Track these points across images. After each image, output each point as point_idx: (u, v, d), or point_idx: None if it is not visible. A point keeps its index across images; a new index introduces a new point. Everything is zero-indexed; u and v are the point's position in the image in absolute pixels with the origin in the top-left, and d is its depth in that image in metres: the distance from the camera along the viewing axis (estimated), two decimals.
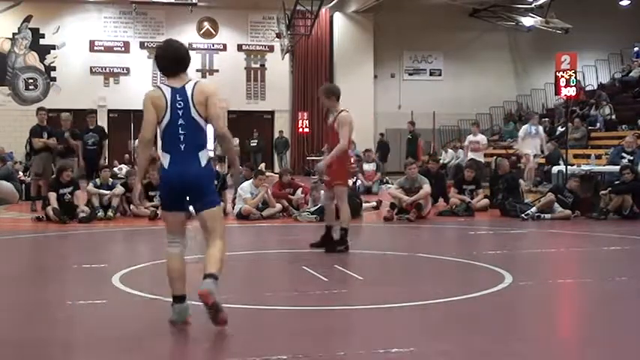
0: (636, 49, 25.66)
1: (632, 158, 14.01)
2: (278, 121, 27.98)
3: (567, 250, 9.28)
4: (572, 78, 13.73)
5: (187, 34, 27.11)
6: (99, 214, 11.73)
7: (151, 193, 11.91)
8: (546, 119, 22.97)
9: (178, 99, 4.84)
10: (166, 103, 4.83)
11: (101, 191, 12.02)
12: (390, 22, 27.14)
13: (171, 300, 4.96)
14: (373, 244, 8.51)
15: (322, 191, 12.20)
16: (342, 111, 8.21)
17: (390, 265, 7.89)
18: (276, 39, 25.70)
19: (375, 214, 12.83)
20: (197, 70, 27.09)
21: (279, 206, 12.09)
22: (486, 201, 12.99)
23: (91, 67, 26.41)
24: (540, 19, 25.46)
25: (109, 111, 25.69)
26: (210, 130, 5.07)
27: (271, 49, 27.43)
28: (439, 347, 4.50)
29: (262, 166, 21.67)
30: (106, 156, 13.32)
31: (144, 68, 26.40)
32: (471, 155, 16.79)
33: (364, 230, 11.20)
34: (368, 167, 17.61)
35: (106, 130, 13.69)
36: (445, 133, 27.22)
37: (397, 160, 23.48)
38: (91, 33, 26.39)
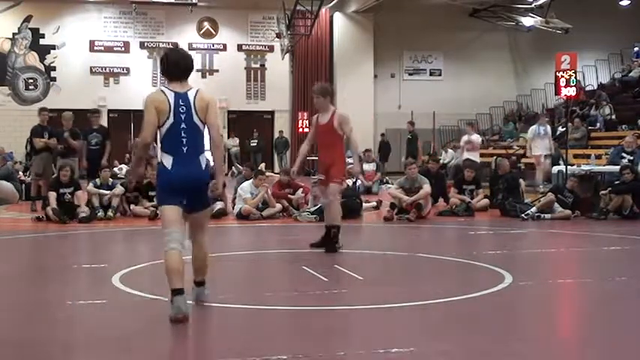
0: (636, 49, 25.65)
1: (632, 158, 14.00)
2: (278, 121, 27.98)
3: (567, 250, 9.28)
4: (572, 78, 13.73)
5: (187, 34, 27.14)
6: (99, 214, 11.72)
7: (151, 193, 11.91)
8: (546, 119, 22.93)
9: (181, 104, 5.07)
10: (169, 106, 5.04)
11: (101, 191, 12.02)
12: (390, 22, 27.13)
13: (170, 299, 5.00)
14: (373, 244, 8.51)
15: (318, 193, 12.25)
16: (335, 110, 8.28)
17: (390, 265, 7.89)
18: (276, 39, 25.69)
19: (375, 214, 12.83)
20: (197, 70, 27.07)
21: (279, 206, 12.09)
22: (486, 201, 12.99)
23: (91, 67, 26.41)
24: (540, 19, 25.45)
25: (109, 111, 25.68)
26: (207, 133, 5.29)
27: (271, 49, 27.43)
28: (439, 347, 4.50)
29: (262, 166, 21.66)
30: (108, 157, 13.25)
31: (144, 68, 26.42)
32: (466, 155, 16.82)
33: (364, 230, 11.21)
34: (368, 167, 17.61)
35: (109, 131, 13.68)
36: (445, 133, 27.21)
37: (397, 160, 23.49)
38: (91, 33, 26.39)
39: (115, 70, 26.54)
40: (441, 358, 4.31)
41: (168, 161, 5.06)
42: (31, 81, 26.16)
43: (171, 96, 5.07)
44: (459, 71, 28.34)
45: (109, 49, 26.57)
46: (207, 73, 27.28)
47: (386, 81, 28.14)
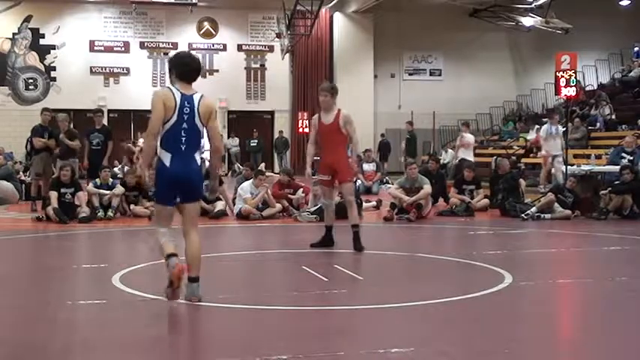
0: (636, 49, 25.64)
1: (632, 158, 14.01)
2: (278, 121, 27.98)
3: (567, 250, 9.28)
4: (572, 78, 13.72)
5: (187, 34, 27.15)
6: (99, 214, 11.73)
7: (151, 193, 11.91)
8: (546, 119, 22.95)
9: (186, 105, 5.41)
10: (175, 105, 5.37)
11: (101, 191, 12.02)
12: (390, 22, 27.13)
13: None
14: (373, 244, 8.50)
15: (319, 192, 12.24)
16: (339, 110, 8.27)
17: (390, 265, 7.88)
18: (276, 39, 25.71)
19: (375, 214, 12.83)
20: None
21: (279, 206, 12.09)
22: (486, 201, 13.00)
23: (91, 67, 26.42)
24: (540, 19, 25.44)
25: (109, 111, 25.67)
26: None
27: (271, 49, 27.43)
28: (439, 347, 4.50)
29: (262, 166, 21.66)
30: (109, 157, 13.24)
31: (144, 68, 26.43)
32: (460, 155, 16.77)
33: (364, 230, 11.15)
34: (368, 167, 17.61)
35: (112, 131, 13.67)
36: (445, 133, 27.21)
37: (397, 160, 23.49)
38: (91, 33, 26.39)
39: (115, 70, 26.54)
40: (441, 358, 4.31)
41: (166, 159, 5.39)
42: (31, 81, 26.16)
43: (178, 96, 5.40)
44: (459, 71, 28.34)
45: (109, 49, 26.57)
46: (207, 73, 27.25)
47: (386, 81, 28.14)
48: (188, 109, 5.39)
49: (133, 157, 17.85)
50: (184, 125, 5.38)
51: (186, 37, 27.14)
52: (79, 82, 26.14)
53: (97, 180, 12.21)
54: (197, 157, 5.50)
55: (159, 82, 25.86)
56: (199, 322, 5.18)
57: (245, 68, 27.71)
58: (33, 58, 26.19)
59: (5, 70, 25.93)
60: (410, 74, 28.64)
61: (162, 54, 26.62)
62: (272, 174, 20.82)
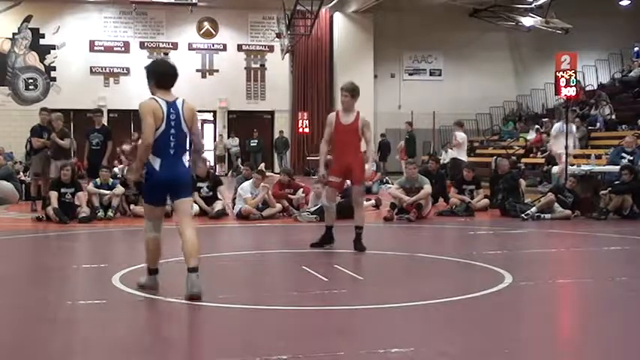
0: (636, 49, 25.64)
1: (632, 158, 14.01)
2: (278, 121, 27.98)
3: (567, 250, 9.28)
4: (572, 78, 13.71)
5: (187, 34, 27.16)
6: (99, 214, 11.72)
7: None
8: (546, 119, 22.97)
9: (172, 112, 5.67)
10: (163, 114, 5.63)
11: (101, 191, 12.01)
12: (390, 22, 27.14)
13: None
14: (373, 244, 8.50)
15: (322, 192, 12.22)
16: (358, 112, 8.26)
17: (390, 265, 7.88)
18: (276, 39, 25.71)
19: (375, 214, 12.82)
20: (197, 70, 27.14)
21: (279, 206, 12.09)
22: (486, 201, 12.99)
23: (91, 67, 26.44)
24: (540, 19, 25.44)
25: (109, 111, 25.69)
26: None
27: (271, 49, 27.44)
28: (439, 347, 4.50)
29: (262, 166, 21.67)
30: (109, 157, 13.22)
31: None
32: (454, 154, 16.77)
33: (364, 230, 11.18)
34: (367, 167, 17.56)
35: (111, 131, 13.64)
36: (445, 133, 27.14)
37: (397, 160, 23.49)
38: (91, 33, 26.41)
39: (115, 70, 26.55)
40: (441, 358, 4.31)
41: (156, 163, 5.64)
42: (31, 81, 26.17)
43: (164, 105, 5.67)
44: (459, 71, 28.35)
45: (109, 49, 26.59)
46: (207, 73, 27.30)
47: (386, 81, 28.15)
48: (174, 116, 5.66)
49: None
50: (172, 131, 5.64)
51: (186, 37, 27.16)
52: (79, 82, 26.15)
53: (97, 180, 12.20)
54: (185, 159, 5.78)
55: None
56: (199, 322, 5.18)
57: (245, 68, 27.72)
58: (33, 58, 26.20)
59: (5, 70, 25.94)
60: (410, 74, 28.65)
61: (162, 54, 26.61)
62: (272, 174, 20.83)
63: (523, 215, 11.72)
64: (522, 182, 13.56)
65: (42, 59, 26.24)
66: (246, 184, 12.19)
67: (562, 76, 13.70)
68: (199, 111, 28.42)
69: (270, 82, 27.70)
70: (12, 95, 25.98)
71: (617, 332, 4.97)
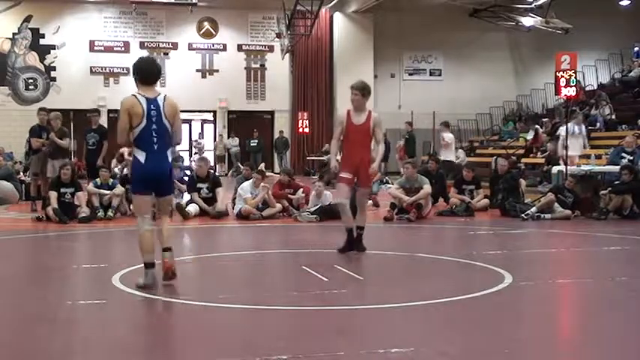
0: (636, 49, 25.64)
1: (632, 158, 14.01)
2: (278, 121, 27.98)
3: (567, 250, 9.28)
4: (572, 78, 13.71)
5: (187, 34, 27.16)
6: (99, 214, 11.73)
7: None
8: (546, 119, 22.97)
9: (152, 108, 5.94)
10: (143, 111, 5.89)
11: (101, 191, 12.01)
12: (390, 22, 27.14)
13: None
14: (373, 244, 8.49)
15: (326, 192, 12.23)
16: (370, 111, 8.18)
17: (390, 265, 7.88)
18: (276, 39, 25.71)
19: (375, 213, 12.81)
20: (197, 70, 27.16)
21: (279, 206, 12.09)
22: (486, 201, 12.99)
23: (91, 67, 26.44)
24: (540, 19, 25.43)
25: (109, 111, 25.63)
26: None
27: (271, 49, 27.44)
28: (439, 347, 4.50)
29: (262, 166, 21.66)
30: (104, 157, 13.20)
31: None
32: (442, 156, 16.74)
33: (364, 230, 11.18)
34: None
35: (108, 130, 13.62)
36: None
37: (397, 160, 23.47)
38: (91, 33, 26.41)
39: (115, 70, 26.55)
40: (441, 358, 4.31)
41: (141, 157, 5.95)
42: (31, 81, 26.17)
43: (143, 101, 5.93)
44: (458, 71, 28.34)
45: (109, 49, 26.59)
46: (207, 73, 27.30)
47: (386, 81, 28.14)
48: (155, 112, 5.93)
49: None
50: (153, 126, 5.91)
51: (186, 37, 27.16)
52: (79, 82, 26.15)
53: (97, 180, 12.21)
54: (169, 154, 6.08)
55: (159, 82, 25.84)
56: (199, 322, 5.18)
57: (245, 68, 27.71)
58: (33, 58, 26.20)
59: (5, 70, 25.94)
60: (410, 74, 28.65)
61: (162, 54, 26.63)
62: (272, 174, 20.83)
63: (523, 215, 11.72)
64: (522, 182, 13.56)
65: (42, 59, 26.24)
66: (246, 184, 12.18)
67: (562, 76, 13.70)
68: (199, 111, 28.40)
69: (270, 82, 27.71)
70: (12, 95, 25.97)
71: (617, 332, 4.97)
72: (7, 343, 4.63)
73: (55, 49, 26.25)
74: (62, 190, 11.54)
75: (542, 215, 11.74)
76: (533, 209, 11.82)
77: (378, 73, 27.88)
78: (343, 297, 6.05)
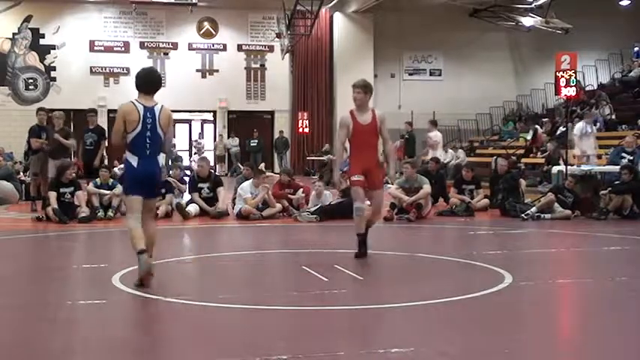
0: (636, 49, 25.63)
1: (632, 158, 14.01)
2: (278, 121, 27.97)
3: (567, 250, 9.28)
4: (572, 78, 13.71)
5: (187, 34, 27.15)
6: (99, 214, 11.72)
7: None
8: (546, 119, 22.96)
9: (148, 116, 6.25)
10: (139, 117, 6.20)
11: (101, 191, 12.01)
12: (390, 22, 27.12)
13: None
14: (373, 244, 8.48)
15: (326, 192, 12.24)
16: (373, 109, 7.94)
17: (390, 265, 7.89)
18: (276, 39, 25.70)
19: None
20: (197, 70, 27.15)
21: (279, 206, 12.09)
22: (486, 201, 12.99)
23: (91, 67, 26.42)
24: (540, 19, 25.41)
25: (109, 111, 25.63)
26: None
27: (271, 49, 27.43)
28: (439, 347, 4.50)
29: (262, 166, 21.66)
30: (104, 156, 13.18)
31: None
32: (429, 155, 16.75)
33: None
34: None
35: (106, 131, 13.60)
36: (445, 133, 27.06)
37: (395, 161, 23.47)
38: (91, 33, 26.39)
39: (115, 70, 26.54)
40: (441, 358, 4.31)
41: (134, 161, 6.25)
42: (31, 81, 26.16)
43: (141, 108, 6.24)
44: (458, 71, 28.32)
45: (109, 49, 26.57)
46: (207, 73, 27.29)
47: (386, 81, 28.11)
48: (150, 120, 6.24)
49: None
50: (148, 133, 6.23)
51: (186, 37, 27.15)
52: (79, 82, 26.14)
53: (97, 180, 12.21)
54: (159, 159, 6.52)
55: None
56: (199, 322, 5.18)
57: (245, 68, 27.70)
58: (33, 58, 26.19)
59: (5, 70, 25.92)
60: (410, 74, 28.63)
61: (162, 54, 26.63)
62: (272, 174, 20.82)
63: (523, 215, 11.72)
64: (522, 182, 13.55)
65: (42, 59, 26.23)
66: (246, 184, 12.18)
67: (562, 76, 13.70)
68: (199, 111, 28.44)
69: (270, 82, 27.70)
70: (12, 95, 25.96)
71: (617, 332, 4.97)
72: (8, 343, 4.63)
73: (55, 49, 26.24)
74: (62, 190, 11.54)
75: (542, 215, 11.74)
76: (533, 209, 11.83)
77: (378, 73, 27.84)
78: (343, 297, 6.05)
